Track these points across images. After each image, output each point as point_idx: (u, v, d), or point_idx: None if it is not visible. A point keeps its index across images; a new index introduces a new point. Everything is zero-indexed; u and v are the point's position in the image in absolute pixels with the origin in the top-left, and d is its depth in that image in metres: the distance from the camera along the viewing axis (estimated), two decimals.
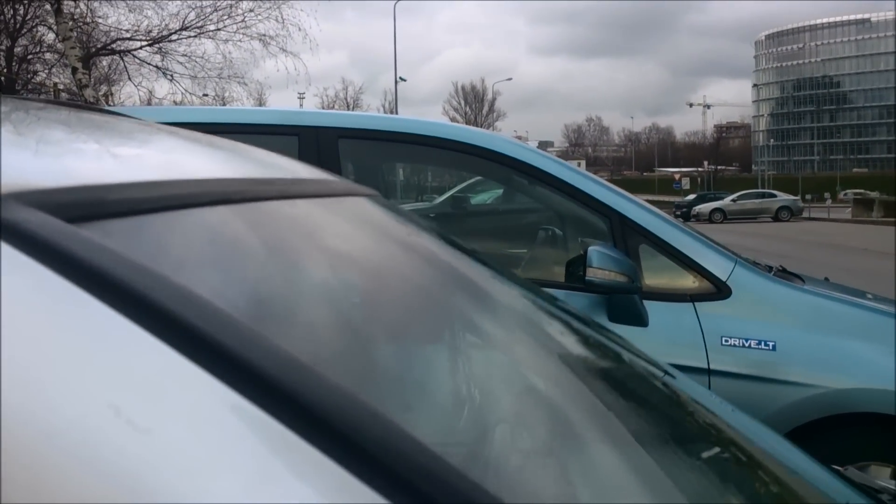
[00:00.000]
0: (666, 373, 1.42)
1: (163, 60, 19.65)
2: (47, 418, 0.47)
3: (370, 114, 4.02)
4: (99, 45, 20.04)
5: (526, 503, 0.58)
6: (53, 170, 0.72)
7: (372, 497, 0.50)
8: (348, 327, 0.91)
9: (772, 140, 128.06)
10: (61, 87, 18.39)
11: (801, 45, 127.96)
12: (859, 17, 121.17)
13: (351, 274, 1.03)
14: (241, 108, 10.35)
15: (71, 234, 0.56)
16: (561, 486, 0.85)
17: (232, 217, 0.85)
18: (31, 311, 0.51)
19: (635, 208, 3.03)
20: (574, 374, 1.21)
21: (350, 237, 1.14)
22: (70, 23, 15.89)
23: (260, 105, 26.61)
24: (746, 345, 2.75)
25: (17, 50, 20.62)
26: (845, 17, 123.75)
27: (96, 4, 18.63)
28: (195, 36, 19.26)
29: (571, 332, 1.37)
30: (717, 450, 1.18)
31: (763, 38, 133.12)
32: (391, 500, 0.50)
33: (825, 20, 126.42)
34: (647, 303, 2.75)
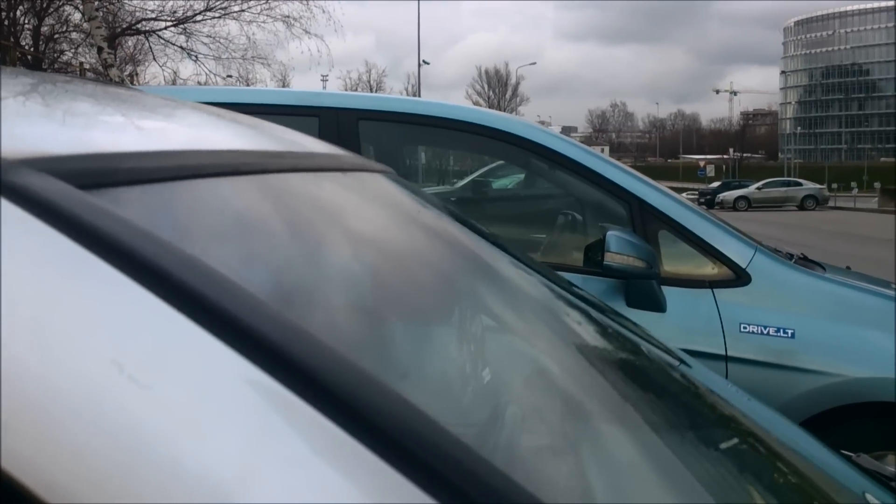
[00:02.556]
0: (682, 361, 1.41)
1: (187, 41, 19.77)
2: (52, 373, 0.48)
3: (390, 96, 4.01)
4: (124, 26, 20.16)
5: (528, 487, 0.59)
6: (67, 139, 0.73)
7: (367, 456, 0.51)
8: (355, 297, 0.92)
9: (799, 128, 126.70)
10: (87, 66, 18.50)
11: (830, 32, 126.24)
12: (890, 3, 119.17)
13: (363, 246, 1.04)
14: (261, 88, 10.35)
15: (81, 200, 0.57)
16: (576, 473, 0.85)
17: (242, 188, 0.86)
18: (41, 272, 0.53)
19: (655, 194, 3.02)
20: (588, 359, 1.21)
21: (363, 210, 1.14)
22: (96, 2, 15.98)
23: (283, 87, 26.64)
24: (765, 332, 2.74)
25: (44, 29, 20.79)
26: (876, 4, 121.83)
27: None
28: (219, 17, 19.33)
29: (587, 317, 1.37)
30: (733, 439, 1.18)
31: (792, 24, 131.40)
32: (386, 460, 0.51)
33: (855, 7, 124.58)
34: (665, 288, 2.74)
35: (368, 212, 1.17)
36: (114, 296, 0.54)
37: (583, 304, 1.41)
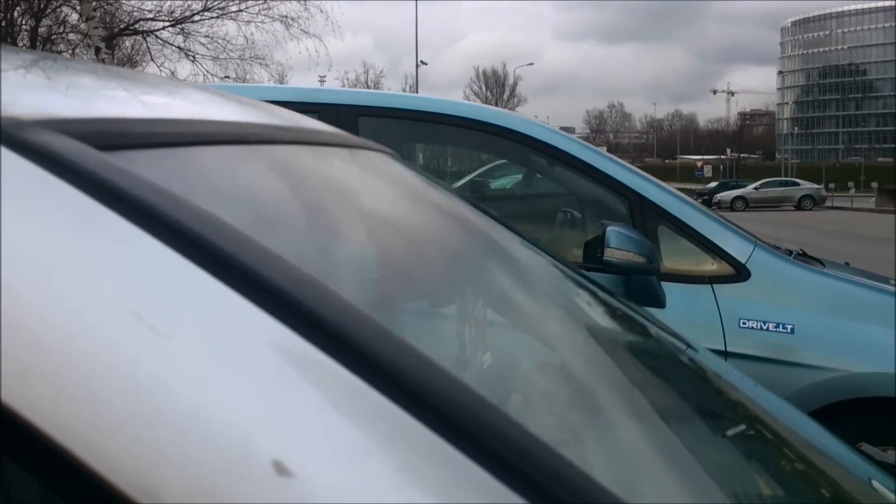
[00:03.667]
0: (689, 346, 1.42)
1: (185, 41, 19.74)
2: (72, 320, 0.49)
3: (390, 92, 4.03)
4: (122, 26, 20.14)
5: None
6: (82, 106, 0.75)
7: (382, 401, 0.51)
8: (366, 261, 0.93)
9: (796, 128, 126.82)
10: None
11: (827, 33, 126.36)
12: (887, 4, 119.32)
13: (365, 215, 1.06)
14: (261, 85, 10.37)
15: (97, 158, 0.58)
16: (583, 457, 0.86)
17: (250, 156, 0.88)
18: (59, 228, 0.53)
19: (655, 190, 3.02)
20: (597, 341, 1.22)
21: (370, 183, 1.16)
22: (94, 3, 15.97)
23: None
24: (764, 327, 2.74)
25: (42, 30, 20.76)
26: (873, 5, 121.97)
27: None
28: (217, 17, 19.31)
29: (596, 300, 1.38)
30: (740, 425, 1.18)
31: (789, 24, 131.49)
32: (399, 404, 0.51)
33: (852, 7, 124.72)
34: (665, 284, 2.75)
35: (376, 184, 1.19)
36: (131, 249, 0.54)
37: (594, 288, 1.42)
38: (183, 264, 0.54)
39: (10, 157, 0.55)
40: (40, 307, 0.49)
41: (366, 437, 0.50)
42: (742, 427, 1.18)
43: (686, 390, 1.25)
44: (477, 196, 5.21)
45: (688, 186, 52.71)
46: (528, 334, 1.12)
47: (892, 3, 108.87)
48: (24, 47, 19.59)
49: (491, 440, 0.51)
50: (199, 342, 0.51)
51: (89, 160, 0.57)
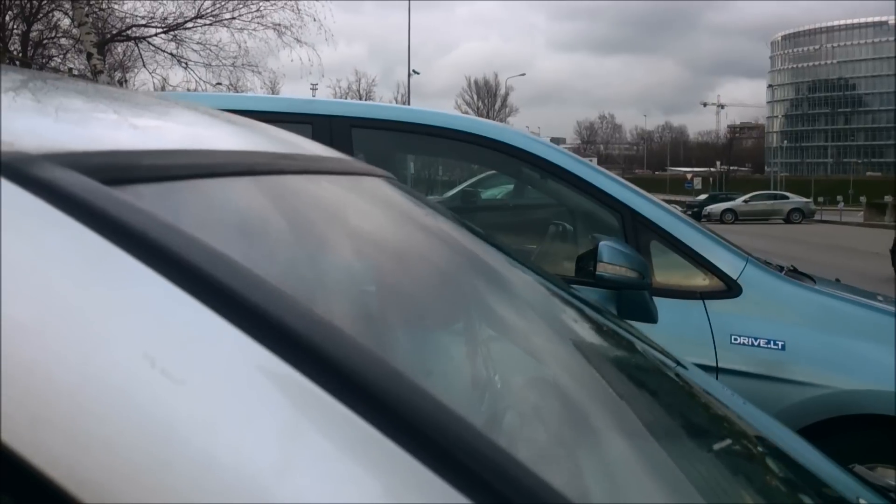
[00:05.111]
0: (678, 363, 1.42)
1: (178, 48, 19.71)
2: (84, 365, 0.48)
3: (384, 104, 4.02)
4: (114, 32, 20.09)
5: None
6: (88, 136, 0.74)
7: (394, 449, 0.51)
8: (374, 296, 0.93)
9: (785, 141, 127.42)
10: (76, 72, 18.45)
11: (817, 47, 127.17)
12: (877, 19, 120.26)
13: (369, 248, 1.06)
14: (254, 95, 10.36)
15: (107, 195, 0.57)
16: (571, 473, 0.86)
17: (256, 188, 0.88)
18: (69, 267, 0.53)
19: (647, 204, 3.03)
20: (587, 361, 1.22)
21: (372, 212, 1.17)
22: (86, 8, 15.94)
23: (274, 95, 26.61)
24: (756, 343, 2.75)
25: (33, 34, 20.69)
26: (863, 20, 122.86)
27: None
28: (210, 24, 19.31)
29: (586, 320, 1.38)
30: (727, 441, 1.18)
31: (779, 38, 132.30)
32: (415, 456, 0.51)
33: (842, 22, 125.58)
34: (656, 299, 2.75)
35: (377, 213, 1.19)
36: (142, 290, 0.53)
37: (585, 308, 1.42)
38: (194, 305, 0.53)
39: (18, 193, 0.54)
40: (53, 352, 0.48)
41: (379, 484, 0.49)
42: (729, 443, 1.19)
43: (673, 407, 1.25)
44: (468, 206, 5.21)
45: (678, 198, 52.94)
46: (529, 355, 1.13)
47: (882, 19, 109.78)
48: (15, 51, 19.56)
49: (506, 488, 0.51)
50: (212, 386, 0.50)
51: (98, 196, 0.56)
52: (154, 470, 0.45)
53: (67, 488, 0.44)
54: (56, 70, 20.59)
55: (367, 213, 1.16)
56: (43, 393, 0.46)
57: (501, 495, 0.51)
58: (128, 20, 19.65)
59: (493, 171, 4.59)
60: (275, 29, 19.03)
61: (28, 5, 19.80)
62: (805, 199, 47.76)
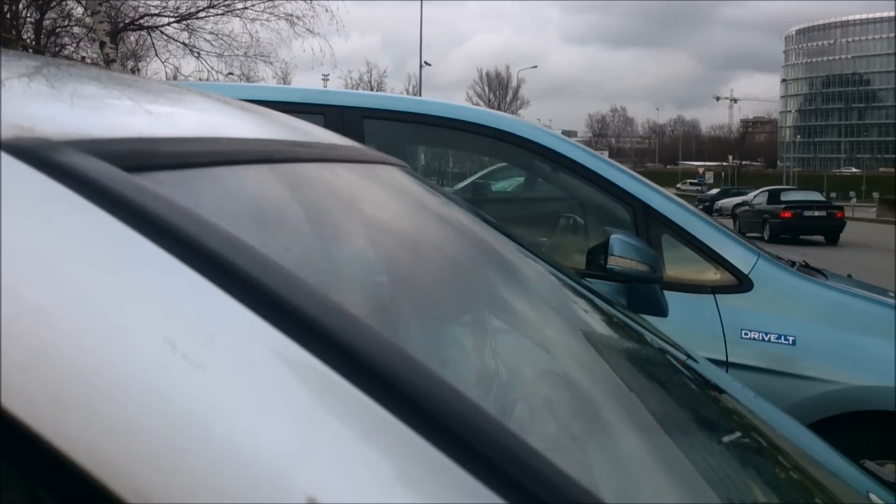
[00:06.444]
0: (689, 356, 1.42)
1: (190, 38, 19.78)
2: (105, 350, 0.48)
3: (396, 95, 4.02)
4: (127, 21, 20.15)
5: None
6: (108, 122, 0.75)
7: (411, 435, 0.51)
8: (391, 284, 0.93)
9: (798, 136, 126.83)
10: (88, 61, 18.51)
11: (831, 42, 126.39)
12: (892, 14, 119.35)
13: (385, 235, 1.06)
14: (266, 85, 10.37)
15: (128, 182, 0.58)
16: (582, 465, 0.86)
17: (273, 176, 0.88)
18: (91, 252, 0.53)
19: (659, 198, 3.02)
20: (599, 353, 1.22)
21: (388, 200, 1.18)
22: None
23: (285, 85, 26.63)
24: (766, 338, 2.74)
25: (46, 23, 20.75)
26: (878, 14, 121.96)
27: None
28: (223, 14, 19.35)
29: (598, 312, 1.38)
30: (738, 434, 1.19)
31: (794, 32, 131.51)
32: (431, 442, 0.51)
33: (857, 17, 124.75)
34: (667, 293, 2.74)
35: (392, 201, 1.19)
36: (162, 276, 0.54)
37: (597, 300, 1.42)
38: (213, 291, 0.54)
39: (40, 179, 0.54)
40: (74, 336, 0.48)
41: (397, 470, 0.49)
42: (739, 437, 1.19)
43: (684, 400, 1.25)
44: (478, 198, 5.21)
45: (690, 192, 52.74)
46: (540, 347, 1.13)
47: None
48: (28, 40, 19.62)
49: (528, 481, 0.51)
50: (232, 372, 0.50)
51: (120, 183, 0.57)
52: (173, 453, 0.46)
53: (88, 468, 0.45)
54: (69, 59, 20.65)
55: (383, 201, 1.17)
56: (64, 377, 0.47)
57: (516, 481, 0.51)
58: (140, 9, 19.74)
59: (504, 164, 4.59)
60: (287, 19, 19.09)
61: None
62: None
